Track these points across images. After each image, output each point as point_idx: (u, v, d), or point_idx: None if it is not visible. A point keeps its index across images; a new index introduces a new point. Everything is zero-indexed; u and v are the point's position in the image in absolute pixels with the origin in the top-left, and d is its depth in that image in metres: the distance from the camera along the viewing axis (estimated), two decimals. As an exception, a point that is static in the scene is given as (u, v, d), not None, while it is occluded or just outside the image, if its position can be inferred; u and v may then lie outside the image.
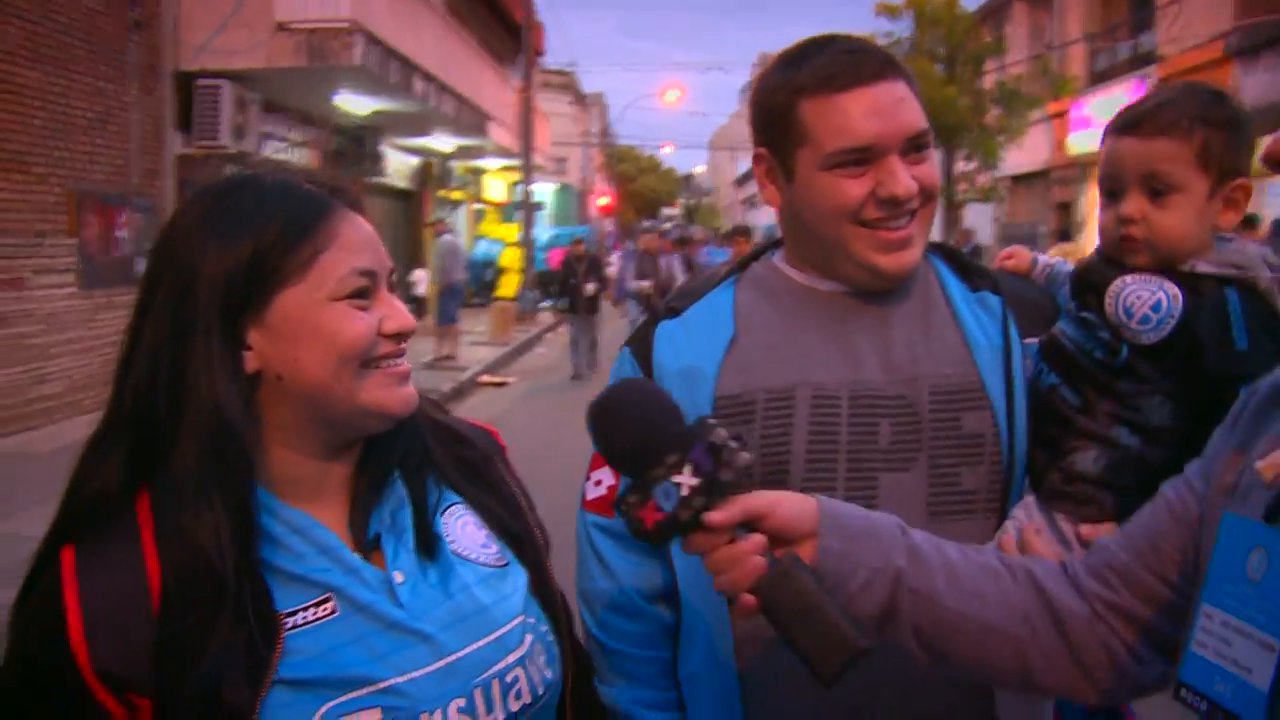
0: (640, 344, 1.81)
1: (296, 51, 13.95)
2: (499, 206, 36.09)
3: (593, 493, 1.84)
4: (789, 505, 1.32)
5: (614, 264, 22.20)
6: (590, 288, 16.64)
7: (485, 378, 16.26)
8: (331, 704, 1.24)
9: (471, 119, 21.45)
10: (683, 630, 1.74)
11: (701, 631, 1.71)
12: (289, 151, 16.87)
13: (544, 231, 32.93)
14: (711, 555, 1.28)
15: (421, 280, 21.75)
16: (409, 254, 25.72)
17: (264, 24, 13.78)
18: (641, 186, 76.59)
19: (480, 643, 1.36)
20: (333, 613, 1.29)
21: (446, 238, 18.89)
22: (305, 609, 1.28)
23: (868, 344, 1.69)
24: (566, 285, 16.92)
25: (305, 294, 1.29)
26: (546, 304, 25.64)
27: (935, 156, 1.71)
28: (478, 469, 1.55)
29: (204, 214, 1.31)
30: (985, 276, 1.78)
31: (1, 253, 10.30)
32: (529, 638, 1.42)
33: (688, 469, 1.25)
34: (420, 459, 1.46)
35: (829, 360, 1.68)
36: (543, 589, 1.51)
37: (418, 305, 22.01)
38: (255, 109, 14.62)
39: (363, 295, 1.32)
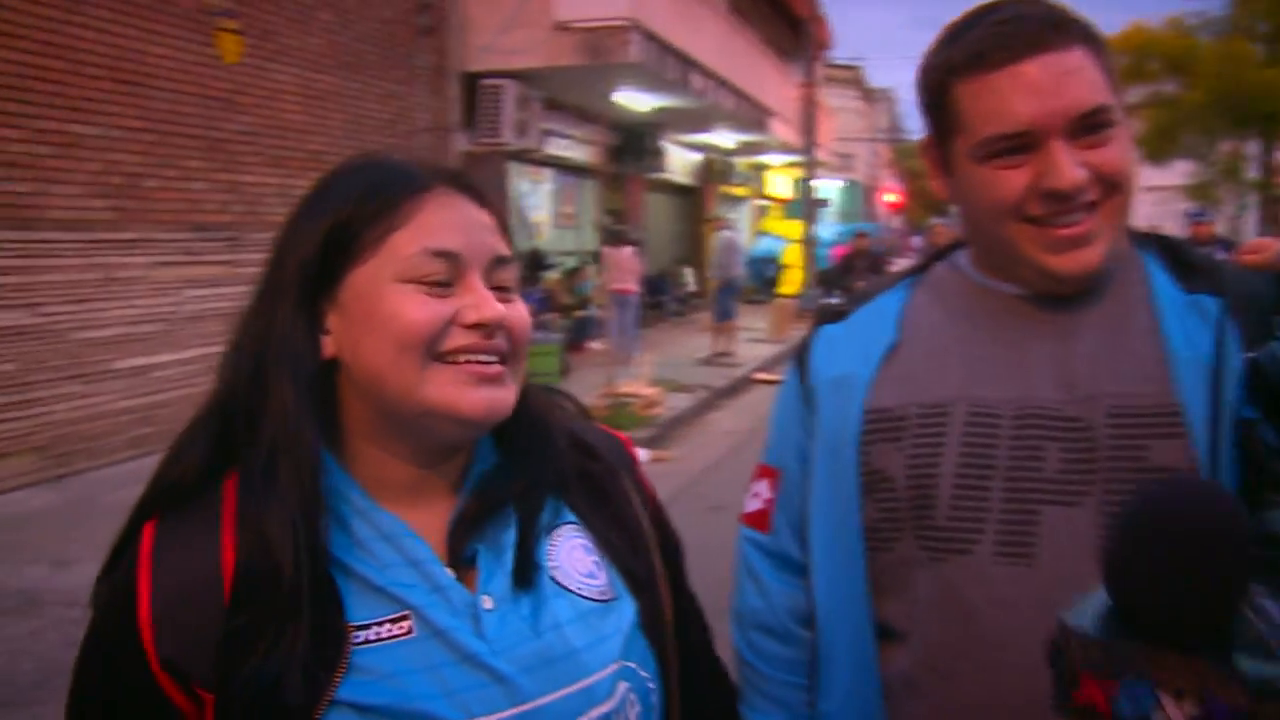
0: (800, 350, 1.66)
1: (575, 50, 14.22)
2: (783, 203, 36.05)
3: (750, 505, 1.69)
4: None
5: (899, 264, 21.65)
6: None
7: (760, 375, 16.11)
8: None
9: (751, 114, 21.44)
10: (820, 663, 1.56)
11: (841, 669, 1.52)
12: (570, 148, 17.23)
13: (829, 228, 32.51)
14: None
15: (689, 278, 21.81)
16: (690, 250, 25.95)
17: (544, 24, 14.14)
18: (944, 200, 74.49)
19: (563, 691, 1.20)
20: (408, 633, 1.16)
21: (725, 234, 18.83)
22: (379, 624, 1.16)
23: (1044, 356, 1.44)
24: (843, 281, 16.55)
25: (373, 272, 1.19)
26: (831, 300, 25.20)
27: (1125, 136, 1.41)
28: (602, 485, 1.40)
29: (305, 197, 1.26)
30: (1207, 275, 1.45)
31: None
32: (623, 687, 1.25)
33: (1189, 703, 0.81)
34: (547, 481, 1.33)
35: (996, 373, 1.46)
36: (655, 624, 1.34)
37: (683, 302, 22.10)
38: (537, 106, 15.02)
39: (440, 280, 1.20)
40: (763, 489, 1.67)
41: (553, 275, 17.25)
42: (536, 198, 18.79)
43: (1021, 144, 1.36)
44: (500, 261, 1.24)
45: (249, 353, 1.21)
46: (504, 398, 1.21)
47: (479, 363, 1.19)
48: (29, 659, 5.02)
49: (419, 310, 1.17)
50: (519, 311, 1.24)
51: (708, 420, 12.83)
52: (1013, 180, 1.37)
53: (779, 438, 1.65)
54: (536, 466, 1.31)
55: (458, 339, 1.18)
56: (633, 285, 16.99)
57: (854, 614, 1.48)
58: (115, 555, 1.20)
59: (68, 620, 5.29)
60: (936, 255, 1.65)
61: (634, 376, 12.87)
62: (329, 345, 1.21)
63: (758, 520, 1.67)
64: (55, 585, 5.89)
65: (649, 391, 12.38)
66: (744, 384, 15.42)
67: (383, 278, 1.18)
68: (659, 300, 21.93)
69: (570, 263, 19.06)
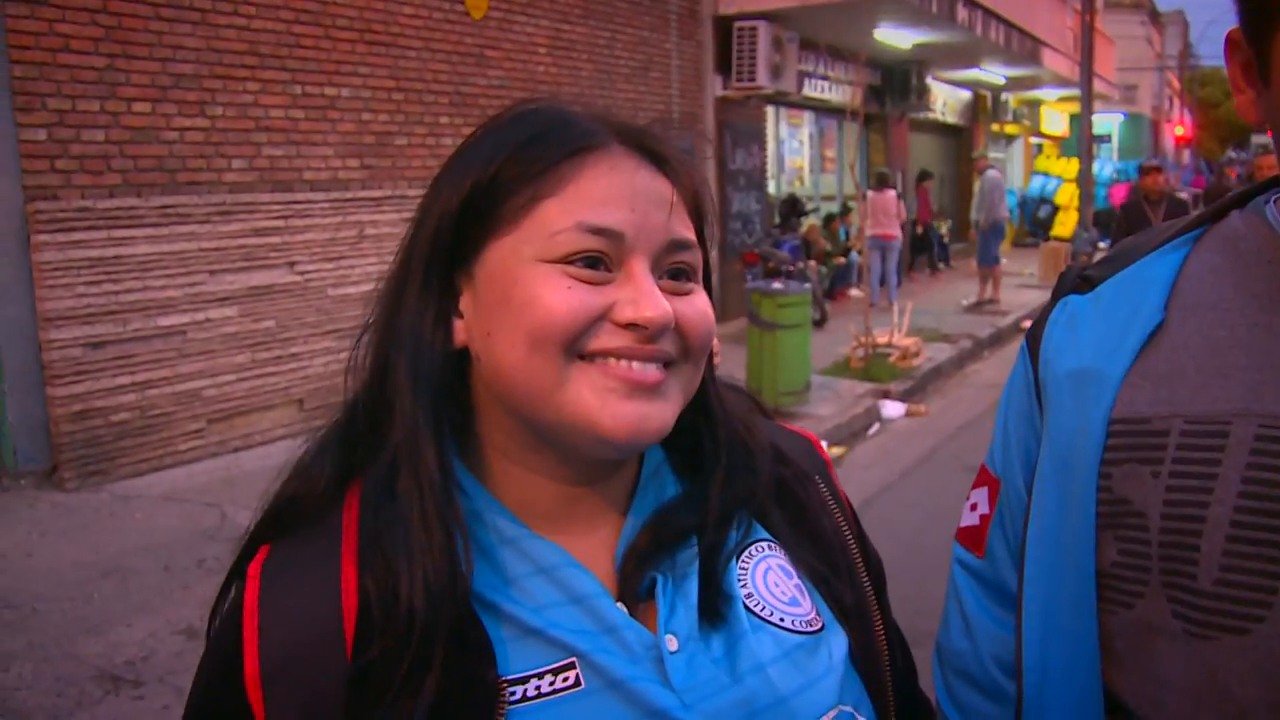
0: (1034, 327, 1.26)
1: (831, -14, 13.76)
2: (1058, 140, 34.36)
3: (966, 519, 1.34)
4: None
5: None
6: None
7: (1027, 323, 15.29)
8: None
9: (1023, 47, 20.33)
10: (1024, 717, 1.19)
11: None
12: (828, 89, 16.80)
13: (1107, 166, 30.73)
14: None
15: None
16: (958, 192, 25.04)
17: (798, -40, 13.71)
18: (1227, 113, 69.26)
19: None
20: (575, 684, 0.94)
21: (990, 173, 17.96)
22: (539, 675, 0.93)
23: None
24: (1130, 225, 15.37)
25: (512, 247, 0.96)
26: (1105, 245, 23.90)
27: None
28: (795, 495, 1.15)
29: (455, 152, 1.04)
30: None
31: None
32: None
33: None
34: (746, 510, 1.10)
35: None
36: (868, 656, 1.10)
37: (935, 250, 21.34)
38: (793, 48, 14.68)
39: (594, 263, 0.95)
40: (980, 499, 1.32)
41: (811, 221, 16.87)
42: (795, 141, 18.45)
43: None
44: (677, 246, 0.99)
45: (377, 337, 1.02)
46: (658, 415, 0.96)
47: (633, 369, 0.95)
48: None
49: (562, 299, 0.94)
50: (697, 307, 1.00)
51: (969, 372, 12.28)
52: None
53: (1003, 438, 1.28)
54: (737, 495, 1.08)
55: (608, 339, 0.95)
56: (895, 230, 16.48)
57: (1077, 683, 1.11)
58: (224, 590, 1.01)
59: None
60: (1234, 201, 1.19)
61: (893, 325, 12.44)
62: (460, 331, 1.00)
63: (971, 539, 1.32)
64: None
65: (907, 341, 11.95)
66: (1011, 333, 14.71)
67: (523, 255, 0.95)
68: (926, 245, 21.24)
69: (830, 209, 18.64)
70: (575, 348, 0.94)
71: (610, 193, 0.96)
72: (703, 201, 1.05)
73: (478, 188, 0.98)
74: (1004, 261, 16.98)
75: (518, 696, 0.92)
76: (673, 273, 0.99)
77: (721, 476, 1.07)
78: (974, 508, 1.32)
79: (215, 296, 7.72)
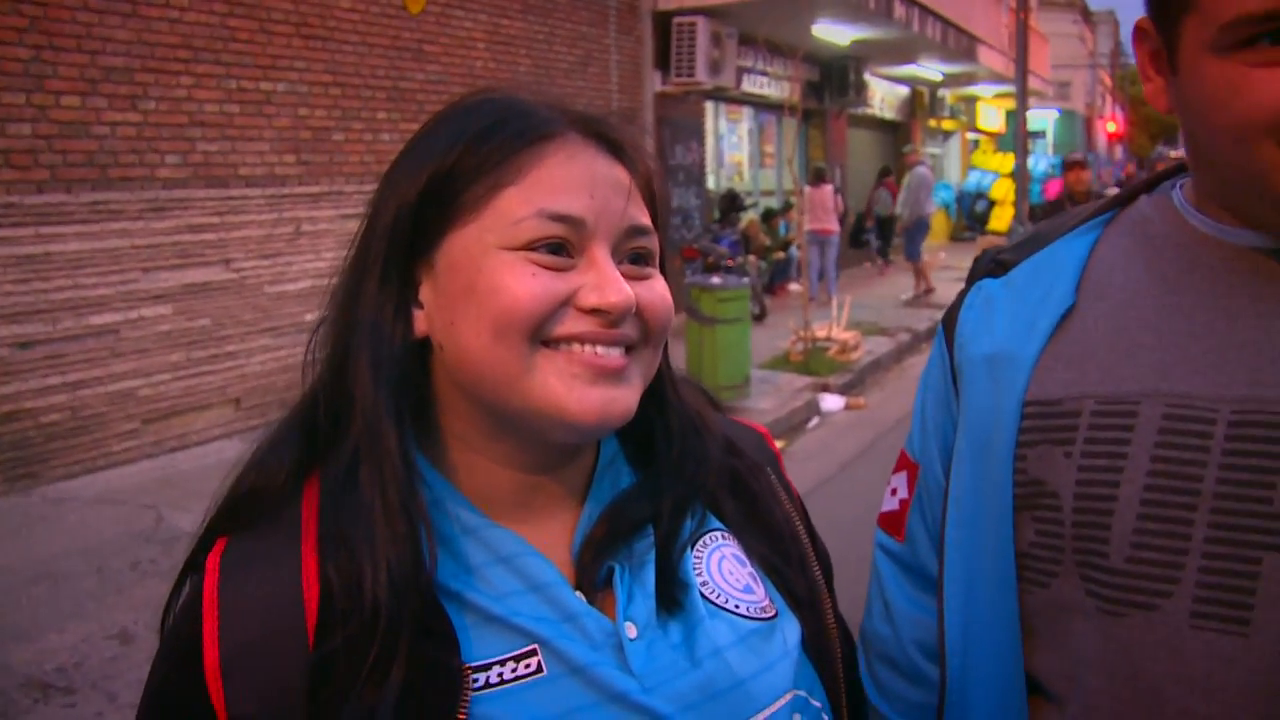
0: (948, 312, 1.28)
1: (770, -19, 13.80)
2: (994, 136, 34.75)
3: (886, 504, 1.35)
4: None
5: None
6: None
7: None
8: None
9: (959, 44, 20.55)
10: (947, 710, 1.20)
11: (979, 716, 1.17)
12: (767, 85, 16.86)
13: (1041, 161, 31.14)
14: None
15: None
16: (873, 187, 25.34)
17: (737, -45, 13.74)
18: (1158, 110, 70.68)
19: None
20: (537, 671, 0.95)
21: (919, 169, 18.26)
22: (502, 663, 0.95)
23: None
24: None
25: (474, 236, 0.97)
26: (1041, 238, 24.28)
27: None
28: (748, 485, 1.17)
29: (407, 143, 1.05)
30: None
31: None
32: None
33: None
34: (698, 498, 1.11)
35: (1210, 358, 1.05)
36: (820, 645, 1.12)
37: (886, 241, 21.55)
38: (732, 43, 14.71)
39: (556, 250, 0.97)
40: (900, 484, 1.33)
41: (750, 216, 16.93)
42: (735, 137, 18.49)
43: None
44: (636, 232, 1.01)
45: (334, 330, 1.02)
46: (623, 398, 0.98)
47: (596, 354, 0.97)
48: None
49: (526, 285, 0.95)
50: (657, 291, 1.02)
51: (907, 365, 12.40)
52: (1272, 83, 0.95)
53: (921, 423, 1.30)
54: (688, 483, 1.09)
55: (572, 324, 0.96)
56: (833, 225, 16.58)
57: (998, 664, 1.13)
58: (179, 583, 1.00)
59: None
60: (1143, 186, 1.22)
61: (832, 319, 12.52)
62: (421, 321, 1.00)
63: (891, 523, 1.33)
64: (243, 537, 6.02)
65: (846, 335, 12.03)
66: (948, 327, 14.84)
67: (486, 244, 0.96)
68: (864, 240, 21.41)
69: (770, 204, 18.71)
70: (540, 334, 0.95)
71: (570, 180, 0.97)
72: (657, 189, 1.07)
73: (436, 178, 0.98)
74: (929, 257, 17.14)
75: (481, 683, 0.92)
76: (632, 258, 1.01)
77: (674, 465, 1.09)
78: (894, 493, 1.34)
79: (149, 294, 7.58)
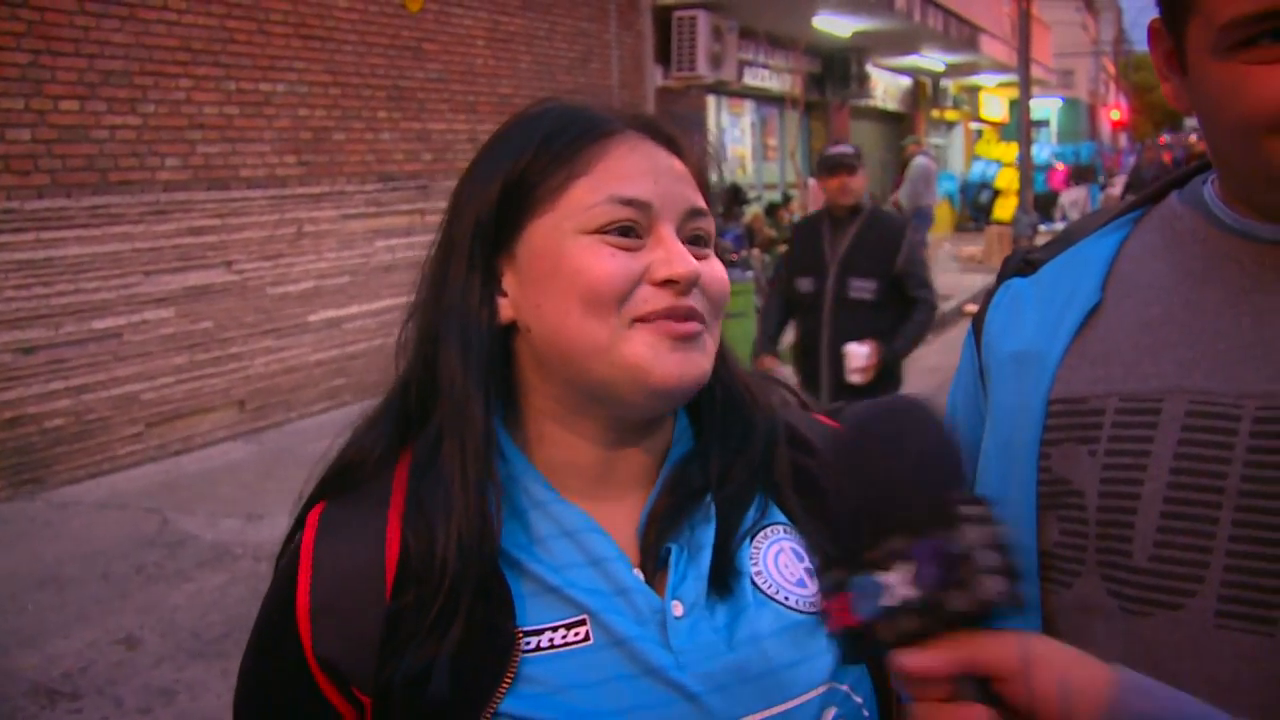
0: (979, 313, 1.28)
1: (770, -26, 13.77)
2: (997, 125, 34.68)
3: None
4: (1050, 670, 0.79)
5: (1117, 185, 20.59)
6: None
7: (971, 306, 15.42)
8: None
9: (961, 34, 20.53)
10: None
11: None
12: (769, 78, 16.83)
13: (1045, 150, 31.08)
14: (915, 707, 0.83)
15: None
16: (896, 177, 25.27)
17: (736, -51, 13.72)
18: (1160, 97, 70.32)
19: (760, 715, 1.05)
20: (584, 640, 1.04)
21: (920, 159, 18.13)
22: (554, 629, 1.04)
23: None
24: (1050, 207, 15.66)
25: (552, 225, 1.08)
26: (1045, 228, 24.20)
27: None
28: (815, 483, 1.18)
29: (483, 146, 1.17)
30: None
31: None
32: (832, 713, 1.08)
33: (905, 568, 0.80)
34: (757, 471, 1.17)
35: (1235, 354, 1.04)
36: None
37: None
38: (732, 37, 14.68)
39: (626, 232, 1.07)
40: None
41: (754, 209, 16.89)
42: (737, 131, 18.46)
43: None
44: (695, 214, 1.12)
45: (424, 319, 1.14)
46: (699, 362, 1.08)
47: (672, 323, 1.06)
48: (218, 611, 5.13)
49: (607, 264, 1.05)
50: (715, 269, 1.12)
51: (912, 356, 12.29)
52: (1272, 80, 0.96)
53: (951, 421, 1.30)
54: (736, 447, 1.17)
55: (648, 298, 1.06)
56: (836, 217, 16.56)
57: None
58: (289, 535, 1.14)
59: (257, 574, 5.39)
60: (1175, 181, 1.21)
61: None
62: (506, 309, 1.11)
63: None
64: (248, 538, 6.03)
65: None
66: (954, 317, 14.80)
67: (564, 231, 1.07)
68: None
69: (773, 197, 18.67)
70: (622, 309, 1.05)
71: (634, 169, 1.09)
72: (708, 179, 1.18)
73: (512, 176, 1.09)
74: (930, 247, 17.11)
75: (533, 646, 1.02)
76: (692, 239, 1.10)
77: (721, 432, 1.16)
78: None
79: (151, 298, 7.57)
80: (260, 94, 8.38)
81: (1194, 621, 0.99)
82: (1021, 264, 1.26)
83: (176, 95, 7.72)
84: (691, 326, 1.06)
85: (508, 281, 1.11)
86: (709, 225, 1.14)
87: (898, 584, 0.80)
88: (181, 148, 7.77)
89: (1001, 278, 1.28)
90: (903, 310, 5.50)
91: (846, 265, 5.42)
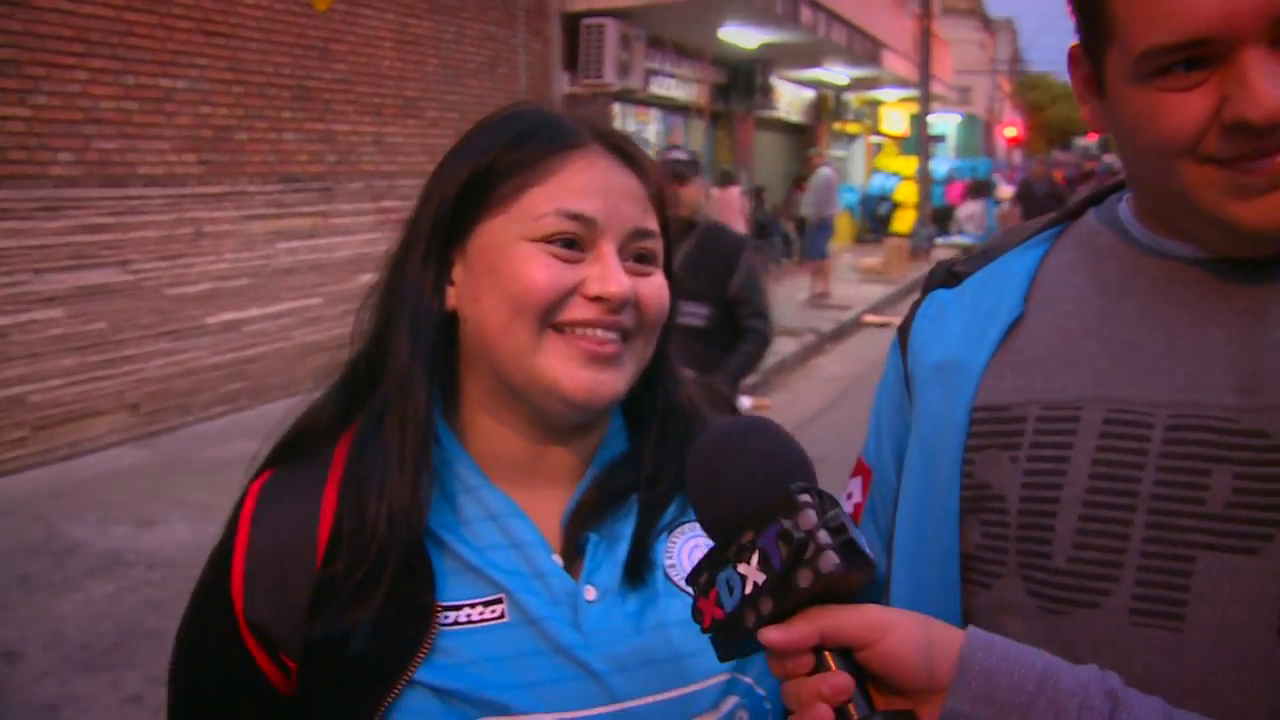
0: (904, 323, 1.34)
1: (679, -16, 13.81)
2: (898, 139, 35.25)
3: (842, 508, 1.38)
4: (906, 636, 0.89)
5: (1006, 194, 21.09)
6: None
7: (869, 317, 15.68)
8: None
9: (864, 49, 20.80)
10: None
11: None
12: (675, 87, 16.90)
13: (943, 164, 31.67)
14: (785, 687, 0.92)
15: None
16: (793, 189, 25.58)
17: (646, -42, 13.73)
18: (1053, 116, 72.08)
19: (659, 696, 1.12)
20: (500, 617, 1.11)
21: (823, 170, 18.51)
22: (471, 606, 1.12)
23: (1220, 344, 1.07)
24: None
25: (501, 227, 1.15)
26: (942, 240, 24.64)
27: None
28: None
29: (455, 144, 1.23)
30: None
31: (400, 194, 10.74)
32: (732, 701, 1.14)
33: (756, 557, 0.90)
34: (675, 473, 1.22)
35: (1148, 365, 1.10)
36: None
37: (789, 244, 21.80)
38: (640, 45, 14.70)
39: (570, 244, 1.13)
40: (855, 488, 1.37)
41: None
42: (642, 139, 18.49)
43: (1199, 55, 0.98)
44: (641, 234, 1.17)
45: (380, 301, 1.20)
46: (610, 381, 1.13)
47: (595, 339, 1.12)
48: (109, 621, 4.98)
49: (541, 273, 1.11)
50: (655, 285, 1.17)
51: (812, 366, 12.53)
52: (1183, 108, 0.99)
53: (876, 429, 1.35)
54: (666, 456, 1.23)
55: (578, 310, 1.12)
56: (739, 226, 16.68)
57: None
58: (236, 506, 1.18)
59: (148, 582, 5.23)
60: (1091, 199, 1.27)
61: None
62: (451, 297, 1.18)
63: None
64: (139, 545, 5.84)
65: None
66: (853, 327, 15.06)
67: (511, 235, 1.13)
68: (767, 242, 21.59)
69: (676, 205, 18.76)
70: (549, 317, 1.11)
71: (588, 185, 1.14)
72: (667, 198, 1.22)
73: (474, 175, 1.15)
74: (832, 257, 17.36)
75: (450, 620, 1.09)
76: (637, 256, 1.16)
77: (655, 437, 1.23)
78: (849, 497, 1.38)
79: (40, 297, 7.34)
80: (160, 90, 8.17)
81: (1110, 619, 1.04)
82: (947, 276, 1.31)
83: (71, 88, 7.49)
84: (609, 349, 1.12)
85: (457, 272, 1.17)
86: (655, 245, 1.18)
87: (751, 573, 0.90)
88: (76, 142, 7.54)
89: (927, 289, 1.32)
90: (735, 341, 4.97)
91: (675, 287, 5.25)
